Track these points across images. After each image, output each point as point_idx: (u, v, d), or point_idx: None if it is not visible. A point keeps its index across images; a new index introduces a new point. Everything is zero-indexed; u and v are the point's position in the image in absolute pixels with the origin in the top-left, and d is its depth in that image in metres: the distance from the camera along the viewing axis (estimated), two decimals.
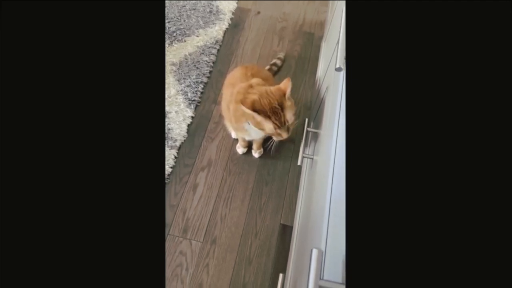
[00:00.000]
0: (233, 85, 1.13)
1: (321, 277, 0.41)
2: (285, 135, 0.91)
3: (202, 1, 1.84)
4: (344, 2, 0.66)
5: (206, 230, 1.21)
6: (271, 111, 0.87)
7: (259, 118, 0.89)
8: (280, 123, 0.87)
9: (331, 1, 1.65)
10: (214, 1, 1.85)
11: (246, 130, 1.11)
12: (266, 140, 1.34)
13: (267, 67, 1.55)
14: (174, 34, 1.68)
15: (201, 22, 1.75)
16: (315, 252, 0.39)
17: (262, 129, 0.93)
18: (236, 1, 1.88)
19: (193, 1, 1.84)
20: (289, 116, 0.89)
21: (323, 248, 0.44)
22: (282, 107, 0.88)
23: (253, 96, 0.92)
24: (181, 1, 1.83)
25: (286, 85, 0.89)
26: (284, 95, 0.90)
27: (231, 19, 1.80)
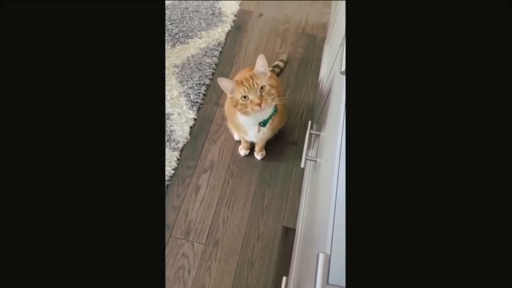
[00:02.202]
0: None
1: (327, 282, 0.41)
2: (256, 99, 1.00)
3: (204, 3, 1.84)
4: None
5: (208, 233, 1.20)
6: (245, 80, 1.02)
7: (234, 87, 1.03)
8: (249, 85, 1.00)
9: (333, 3, 1.65)
10: (216, 1, 1.85)
11: (242, 127, 1.15)
12: (269, 142, 1.34)
13: (270, 69, 1.55)
14: (177, 36, 1.69)
15: (203, 24, 1.75)
16: (321, 257, 0.39)
17: (236, 100, 1.03)
18: (239, 2, 1.88)
19: (196, 3, 1.84)
20: (259, 81, 1.01)
21: (328, 252, 0.44)
22: (253, 77, 1.02)
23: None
24: (184, 3, 1.83)
25: (256, 62, 1.04)
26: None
27: (233, 21, 1.80)
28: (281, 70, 1.61)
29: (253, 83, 1.00)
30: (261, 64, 1.02)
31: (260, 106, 1.00)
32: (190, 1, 1.85)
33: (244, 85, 1.00)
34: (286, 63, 1.64)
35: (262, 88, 1.01)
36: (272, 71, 1.54)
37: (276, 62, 1.60)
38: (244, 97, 1.01)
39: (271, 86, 1.03)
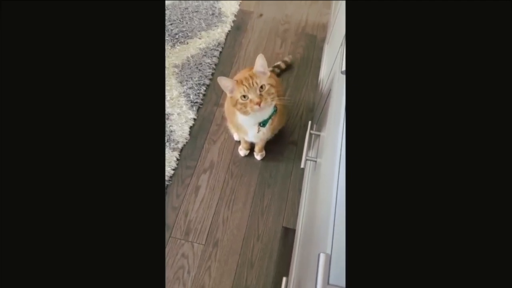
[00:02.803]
0: None
1: (328, 282, 0.41)
2: (256, 98, 1.00)
3: (204, 4, 1.84)
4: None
5: (208, 233, 1.20)
6: (244, 79, 1.02)
7: (234, 86, 1.04)
8: (249, 85, 1.00)
9: (333, 3, 1.65)
10: (216, 2, 1.85)
11: (242, 127, 1.15)
12: (268, 143, 1.34)
13: (270, 69, 1.55)
14: (177, 36, 1.69)
15: (203, 25, 1.75)
16: (322, 257, 0.39)
17: (236, 100, 1.03)
18: (239, 2, 1.88)
19: (196, 4, 1.84)
20: (259, 80, 1.02)
21: (329, 252, 0.43)
22: (253, 77, 1.03)
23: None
24: (184, 4, 1.83)
25: (255, 62, 1.04)
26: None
27: (233, 21, 1.80)
28: (282, 71, 1.61)
29: (252, 82, 1.00)
30: (260, 63, 1.02)
31: (259, 105, 1.00)
32: (190, 2, 1.85)
33: (243, 85, 1.00)
34: (288, 65, 1.63)
35: (261, 87, 1.01)
36: (272, 71, 1.54)
37: (278, 63, 1.60)
38: (244, 96, 1.01)
39: (271, 85, 1.03)
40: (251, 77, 1.01)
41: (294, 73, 1.63)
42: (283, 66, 1.60)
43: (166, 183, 1.28)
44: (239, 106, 1.03)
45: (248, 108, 1.02)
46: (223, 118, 1.43)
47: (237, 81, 1.02)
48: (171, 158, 1.33)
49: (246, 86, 1.00)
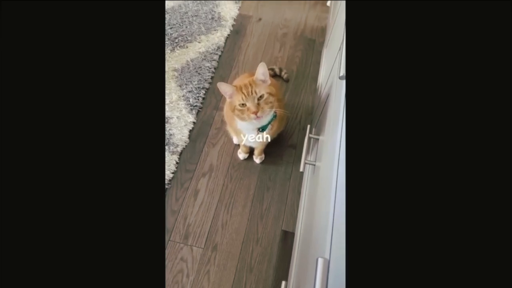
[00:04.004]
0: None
1: (326, 287, 0.41)
2: (253, 108, 1.00)
3: (204, 8, 1.85)
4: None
5: (207, 237, 1.20)
6: (244, 86, 1.03)
7: (233, 92, 1.04)
8: (247, 93, 1.01)
9: (332, 8, 1.66)
10: (216, 6, 1.86)
11: (241, 131, 1.15)
12: (267, 146, 1.34)
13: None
14: (176, 40, 1.69)
15: (203, 29, 1.76)
16: (320, 262, 0.39)
17: (234, 106, 1.04)
18: (238, 6, 1.89)
19: (195, 8, 1.85)
20: (258, 89, 1.02)
21: (327, 257, 0.44)
22: (252, 85, 1.03)
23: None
24: (183, 8, 1.84)
25: (257, 70, 1.05)
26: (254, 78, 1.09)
27: (232, 25, 1.81)
28: (275, 75, 1.62)
29: (251, 90, 1.01)
30: (261, 72, 1.02)
31: (256, 114, 1.00)
32: (190, 6, 1.85)
33: (242, 92, 1.01)
34: (282, 77, 1.62)
35: (260, 97, 1.01)
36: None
37: (274, 67, 1.60)
38: (242, 104, 1.01)
39: (270, 94, 1.03)
40: (250, 85, 1.02)
41: (293, 77, 1.64)
42: (277, 71, 1.60)
43: (166, 186, 1.28)
44: (237, 112, 1.03)
45: (245, 116, 1.02)
46: (223, 122, 1.44)
47: (236, 87, 1.03)
48: (170, 162, 1.33)
49: (244, 94, 1.00)
